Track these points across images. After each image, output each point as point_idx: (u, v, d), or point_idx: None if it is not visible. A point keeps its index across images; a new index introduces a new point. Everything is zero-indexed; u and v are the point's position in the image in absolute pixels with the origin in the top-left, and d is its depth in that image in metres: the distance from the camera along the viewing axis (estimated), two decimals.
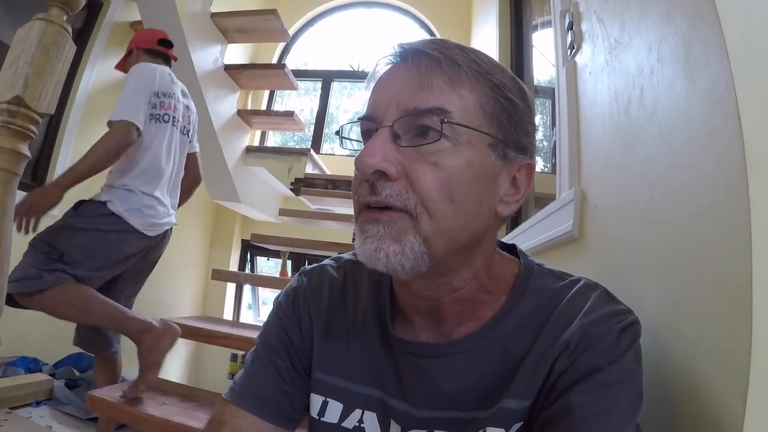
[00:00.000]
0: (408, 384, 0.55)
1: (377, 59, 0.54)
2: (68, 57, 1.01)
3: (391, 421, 0.56)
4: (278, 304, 0.66)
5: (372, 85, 0.54)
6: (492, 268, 0.56)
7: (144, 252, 1.82)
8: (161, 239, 1.87)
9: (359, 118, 0.53)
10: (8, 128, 0.91)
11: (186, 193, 2.08)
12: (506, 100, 0.50)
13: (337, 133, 0.57)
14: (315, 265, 0.68)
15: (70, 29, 0.99)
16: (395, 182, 0.47)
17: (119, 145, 1.65)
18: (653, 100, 0.62)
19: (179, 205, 2.03)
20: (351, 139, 0.56)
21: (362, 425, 0.57)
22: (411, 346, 0.56)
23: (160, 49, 1.96)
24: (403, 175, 0.47)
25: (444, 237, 0.48)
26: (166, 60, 1.98)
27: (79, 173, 1.61)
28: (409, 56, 0.50)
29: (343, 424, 0.57)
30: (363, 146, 0.51)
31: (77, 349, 2.72)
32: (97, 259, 1.66)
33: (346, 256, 0.68)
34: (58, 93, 1.00)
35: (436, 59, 0.48)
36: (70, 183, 1.61)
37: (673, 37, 0.58)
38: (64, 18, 0.98)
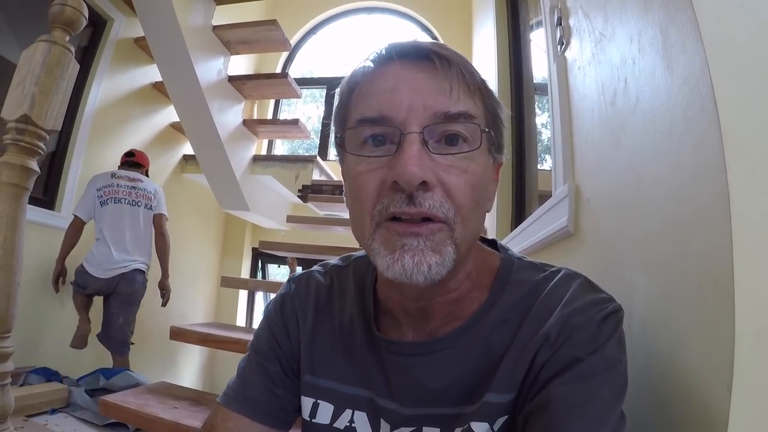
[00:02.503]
0: (394, 383, 0.56)
1: (383, 47, 0.52)
2: (72, 75, 1.04)
3: (381, 419, 0.56)
4: (268, 311, 0.68)
5: (374, 76, 0.51)
6: (478, 262, 0.57)
7: (108, 287, 2.65)
8: (120, 279, 2.65)
9: (366, 119, 0.49)
10: (17, 145, 0.95)
11: (156, 248, 2.91)
12: (495, 107, 0.52)
13: (338, 138, 0.54)
14: (303, 271, 0.70)
15: (72, 49, 1.02)
16: (433, 192, 0.46)
17: (71, 229, 2.66)
18: (636, 91, 0.62)
19: (161, 256, 2.91)
20: (355, 152, 0.50)
21: (353, 425, 0.57)
22: (395, 346, 0.56)
23: (123, 160, 2.93)
24: (438, 184, 0.46)
25: (467, 241, 0.49)
26: (130, 164, 2.91)
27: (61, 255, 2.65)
28: (435, 58, 0.48)
29: (335, 425, 0.58)
30: (373, 151, 0.49)
31: (92, 361, 2.78)
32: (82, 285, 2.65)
33: (333, 261, 0.70)
34: (64, 110, 1.03)
35: (458, 64, 0.49)
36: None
37: (651, 26, 0.58)
38: (67, 39, 1.01)
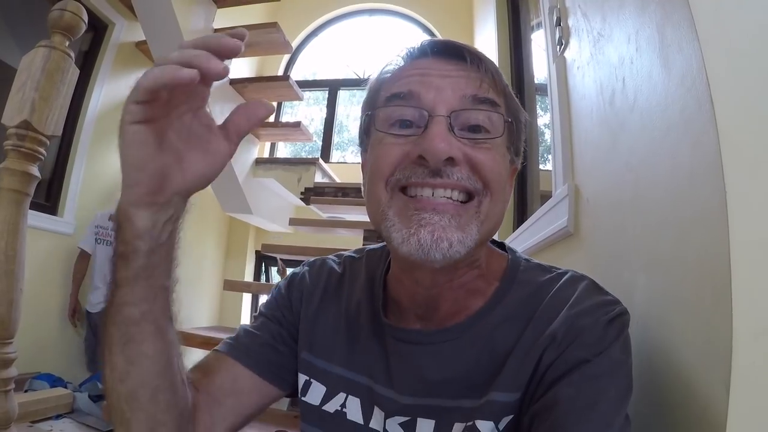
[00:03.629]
0: (395, 370, 0.56)
1: (416, 41, 0.55)
2: (72, 81, 1.04)
3: (375, 407, 0.56)
4: (278, 287, 0.69)
5: (406, 66, 0.53)
6: (488, 260, 0.57)
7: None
8: None
9: (395, 95, 0.51)
10: (18, 151, 0.95)
11: None
12: (517, 112, 0.54)
13: (367, 116, 0.56)
14: (319, 257, 0.71)
15: (72, 54, 1.03)
16: (460, 167, 0.48)
17: (78, 263, 2.92)
18: (634, 90, 0.62)
19: None
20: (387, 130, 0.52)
21: (344, 410, 0.57)
22: (400, 332, 0.57)
23: None
24: (464, 160, 0.48)
25: (491, 222, 0.50)
26: None
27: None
28: (467, 54, 0.51)
29: (324, 408, 0.58)
30: (400, 131, 0.50)
31: (98, 367, 2.79)
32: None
33: (348, 252, 0.70)
34: (64, 115, 1.03)
35: (488, 64, 0.52)
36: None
37: (648, 25, 0.58)
38: (66, 44, 1.02)
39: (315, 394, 0.59)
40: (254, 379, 0.60)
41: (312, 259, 0.71)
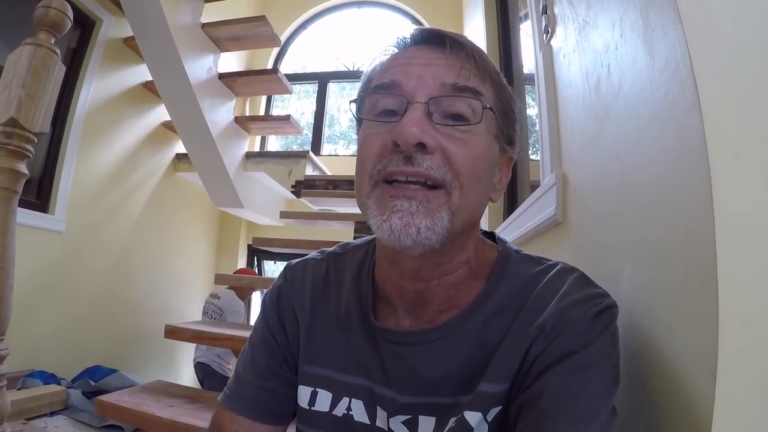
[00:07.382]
0: (391, 371, 0.56)
1: (405, 31, 0.56)
2: (58, 78, 1.03)
3: (377, 407, 0.57)
4: (264, 304, 0.68)
5: (394, 53, 0.55)
6: (478, 253, 0.57)
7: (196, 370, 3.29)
8: (196, 366, 3.26)
9: (379, 86, 0.52)
10: (5, 149, 0.94)
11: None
12: (507, 99, 0.55)
13: (354, 101, 0.57)
14: (299, 259, 0.70)
15: (58, 51, 1.02)
16: (432, 155, 0.48)
17: None
18: (619, 76, 0.62)
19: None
20: (369, 117, 0.54)
21: (350, 412, 0.58)
22: (392, 335, 0.57)
23: None
24: (438, 149, 0.48)
25: (464, 213, 0.50)
26: None
27: None
28: (447, 41, 0.52)
29: (333, 412, 0.59)
30: (383, 119, 0.51)
31: (91, 364, 2.79)
32: None
33: (331, 249, 0.70)
34: (51, 112, 1.02)
35: (470, 49, 0.52)
36: None
37: (632, 10, 0.58)
38: (52, 41, 1.01)
39: (323, 401, 0.60)
40: (263, 427, 0.63)
41: (292, 263, 0.70)
